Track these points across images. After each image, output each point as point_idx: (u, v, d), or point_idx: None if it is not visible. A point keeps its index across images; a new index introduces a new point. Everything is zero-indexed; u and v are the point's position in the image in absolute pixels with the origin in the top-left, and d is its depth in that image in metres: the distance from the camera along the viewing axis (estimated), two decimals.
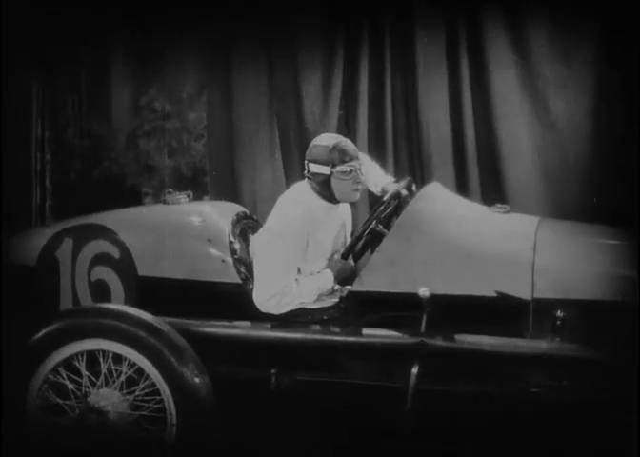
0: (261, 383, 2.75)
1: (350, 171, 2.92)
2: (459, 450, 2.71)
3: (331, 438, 2.78)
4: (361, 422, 2.77)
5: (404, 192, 3.18)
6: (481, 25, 4.24)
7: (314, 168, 2.95)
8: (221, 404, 2.71)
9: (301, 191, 3.02)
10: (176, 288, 3.05)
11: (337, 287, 3.00)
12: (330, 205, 3.01)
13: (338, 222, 3.06)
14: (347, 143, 2.97)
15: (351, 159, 2.93)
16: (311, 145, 3.00)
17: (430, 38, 4.32)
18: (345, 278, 2.98)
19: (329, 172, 2.92)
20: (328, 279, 2.95)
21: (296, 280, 2.90)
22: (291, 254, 2.89)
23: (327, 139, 2.99)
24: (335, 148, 2.92)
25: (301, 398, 2.76)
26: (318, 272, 2.96)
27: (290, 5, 4.44)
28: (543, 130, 4.27)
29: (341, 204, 3.06)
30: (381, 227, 3.00)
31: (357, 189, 2.97)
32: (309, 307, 2.94)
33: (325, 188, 2.96)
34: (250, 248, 3.09)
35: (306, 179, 3.02)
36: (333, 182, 2.93)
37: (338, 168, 2.91)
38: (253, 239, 3.07)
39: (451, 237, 2.92)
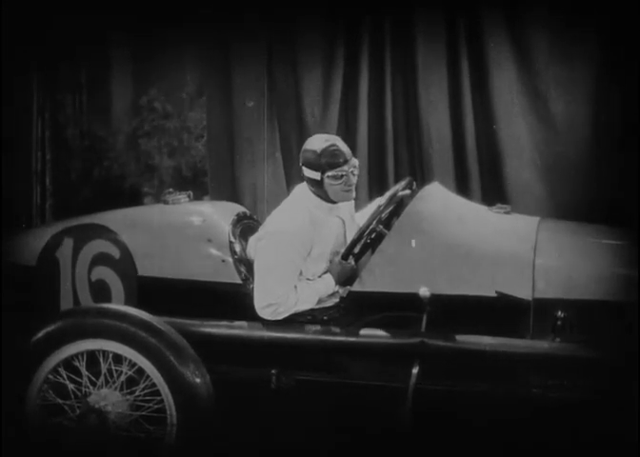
0: (261, 383, 2.75)
1: (341, 176, 2.89)
2: (459, 450, 2.70)
3: (331, 438, 2.78)
4: (361, 422, 2.77)
5: (404, 192, 3.17)
6: (481, 25, 4.24)
7: (307, 172, 2.93)
8: (221, 404, 2.71)
9: (302, 196, 3.00)
10: (176, 288, 3.05)
11: (337, 287, 2.99)
12: (330, 205, 3.00)
13: (338, 221, 3.05)
14: (336, 146, 2.91)
15: (342, 164, 2.88)
16: (303, 148, 2.96)
17: (430, 38, 4.31)
18: (346, 279, 2.97)
19: (319, 178, 2.90)
20: (328, 284, 2.94)
21: (295, 287, 2.88)
22: (292, 262, 2.88)
23: (316, 143, 2.93)
24: (324, 153, 2.88)
25: (301, 398, 2.76)
26: (319, 276, 2.95)
27: (290, 4, 4.43)
28: (543, 131, 4.27)
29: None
30: (381, 227, 3.00)
31: (350, 190, 2.94)
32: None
33: (320, 191, 2.95)
34: (248, 250, 3.08)
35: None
36: (326, 186, 2.91)
37: (328, 174, 2.88)
38: (252, 240, 3.04)
39: (452, 237, 2.92)
